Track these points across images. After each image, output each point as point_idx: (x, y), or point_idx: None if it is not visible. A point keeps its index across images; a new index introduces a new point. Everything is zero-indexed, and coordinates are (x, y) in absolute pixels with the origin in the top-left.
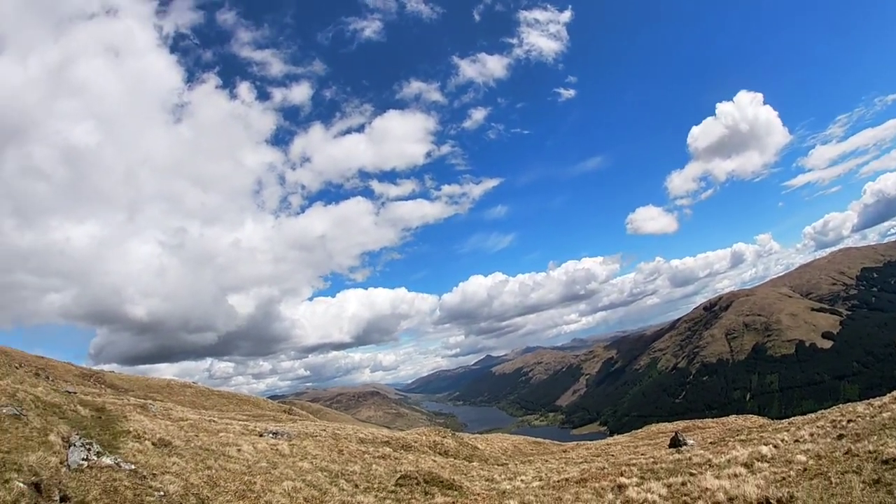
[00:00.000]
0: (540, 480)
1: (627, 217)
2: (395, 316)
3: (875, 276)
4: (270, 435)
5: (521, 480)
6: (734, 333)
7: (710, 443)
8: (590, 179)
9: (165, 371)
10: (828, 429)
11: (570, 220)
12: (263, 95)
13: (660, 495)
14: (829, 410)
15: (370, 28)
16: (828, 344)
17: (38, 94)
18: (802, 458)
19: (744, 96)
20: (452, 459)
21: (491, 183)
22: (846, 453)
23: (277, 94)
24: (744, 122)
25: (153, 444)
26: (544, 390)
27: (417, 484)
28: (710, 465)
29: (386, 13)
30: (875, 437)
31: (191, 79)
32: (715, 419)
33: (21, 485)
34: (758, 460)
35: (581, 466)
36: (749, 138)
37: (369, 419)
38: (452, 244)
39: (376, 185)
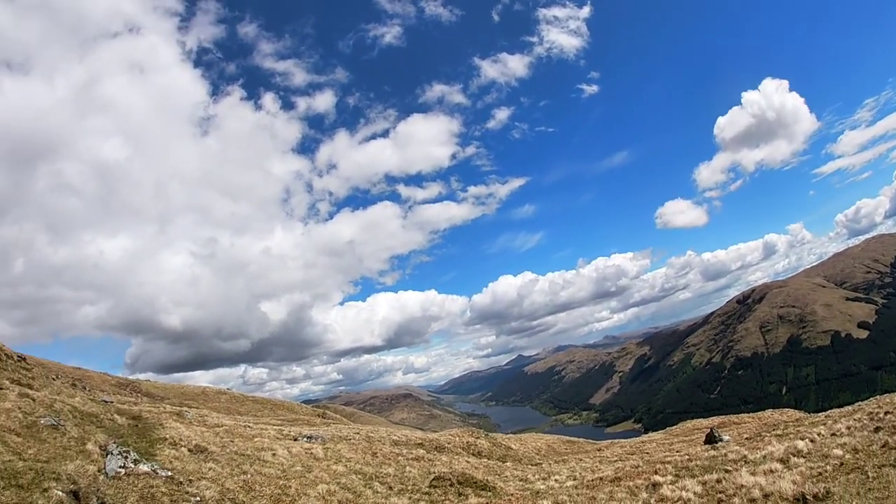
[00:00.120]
0: (574, 480)
1: (656, 211)
2: (426, 318)
3: None
4: (305, 439)
5: (555, 480)
6: (768, 326)
7: (746, 438)
8: (617, 175)
9: (200, 378)
10: (864, 421)
11: (599, 216)
12: (288, 105)
13: (695, 493)
14: (865, 402)
15: (390, 34)
16: (864, 334)
17: (66, 113)
18: (839, 452)
19: (769, 84)
20: (486, 460)
21: (517, 182)
22: (883, 446)
23: (301, 103)
24: (770, 111)
25: (189, 450)
26: (577, 389)
27: (451, 485)
28: (745, 461)
29: (405, 18)
30: None
31: (216, 92)
32: (751, 414)
33: (60, 493)
34: (794, 455)
35: (615, 465)
36: (776, 126)
37: (402, 421)
38: (481, 245)
39: (403, 189)
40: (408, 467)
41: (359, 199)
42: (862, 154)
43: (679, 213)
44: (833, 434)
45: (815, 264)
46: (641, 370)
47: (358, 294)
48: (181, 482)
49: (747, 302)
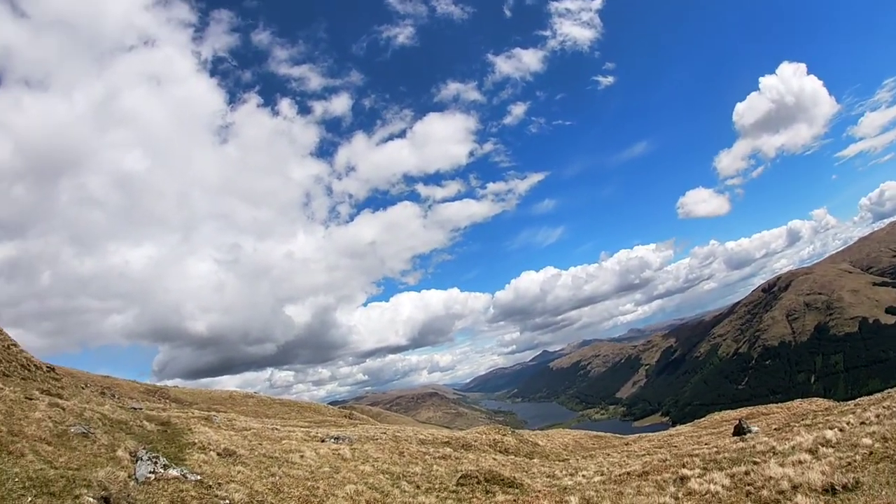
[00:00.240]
0: (601, 475)
1: (678, 201)
2: (450, 316)
3: None
4: (332, 440)
5: (583, 476)
6: (795, 314)
7: (775, 429)
8: (636, 166)
9: (227, 383)
10: (894, 409)
11: (620, 208)
12: (304, 110)
13: (723, 486)
14: (895, 389)
15: (403, 34)
16: (892, 319)
17: (86, 127)
18: (868, 441)
19: (786, 68)
20: (513, 457)
21: (536, 177)
22: None
23: (318, 108)
24: (789, 95)
25: (218, 454)
26: (603, 383)
27: (478, 483)
28: (774, 452)
29: (417, 18)
30: None
31: (233, 100)
32: (779, 404)
33: (91, 500)
34: (822, 445)
35: (643, 459)
36: (796, 111)
37: (429, 420)
38: (502, 241)
39: (422, 189)
40: (435, 466)
41: (379, 200)
42: (884, 136)
43: (701, 202)
44: (862, 423)
45: (840, 250)
46: (668, 363)
47: (381, 295)
48: (210, 486)
49: (773, 290)
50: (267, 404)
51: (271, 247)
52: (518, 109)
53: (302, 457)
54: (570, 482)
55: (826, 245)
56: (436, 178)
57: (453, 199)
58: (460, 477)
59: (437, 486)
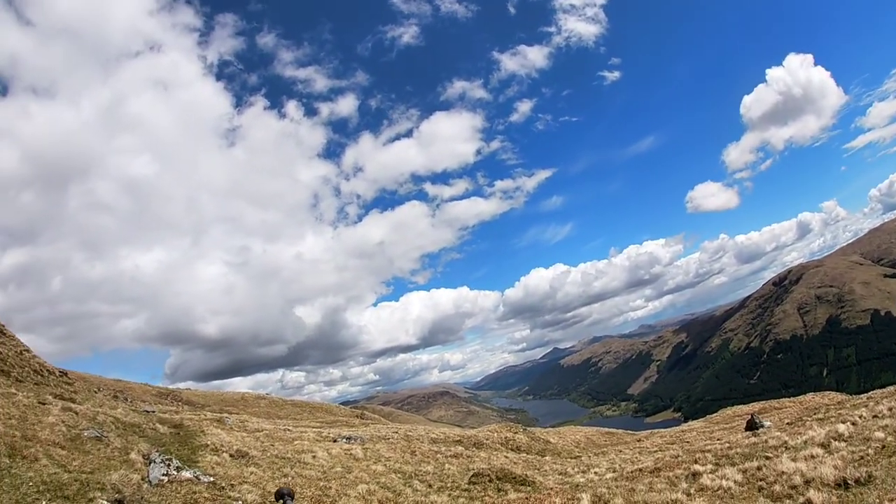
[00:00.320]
0: (613, 472)
1: (687, 196)
2: (459, 315)
3: None
4: (344, 440)
5: (595, 473)
6: (806, 307)
7: (787, 423)
8: (644, 161)
9: (239, 385)
10: None
11: (628, 203)
12: (311, 111)
13: (735, 481)
14: None
15: (407, 34)
16: None
17: (94, 133)
18: (881, 434)
19: (793, 59)
20: (525, 455)
21: (544, 174)
22: None
23: (324, 109)
24: (796, 86)
25: (231, 455)
26: (614, 380)
27: (490, 481)
28: (786, 447)
29: (421, 17)
30: None
31: (239, 103)
32: (792, 398)
33: (105, 502)
34: (835, 439)
35: (655, 455)
36: (803, 102)
37: (440, 419)
38: (511, 239)
39: (430, 188)
40: (447, 464)
41: (386, 200)
42: (893, 126)
43: (710, 196)
44: (875, 416)
45: (850, 242)
46: (679, 358)
47: (391, 294)
48: (223, 487)
49: (784, 284)
50: (279, 405)
51: (280, 248)
52: (524, 106)
53: (314, 457)
54: (582, 479)
55: (836, 237)
56: (443, 177)
57: (461, 198)
58: (472, 475)
59: (449, 485)
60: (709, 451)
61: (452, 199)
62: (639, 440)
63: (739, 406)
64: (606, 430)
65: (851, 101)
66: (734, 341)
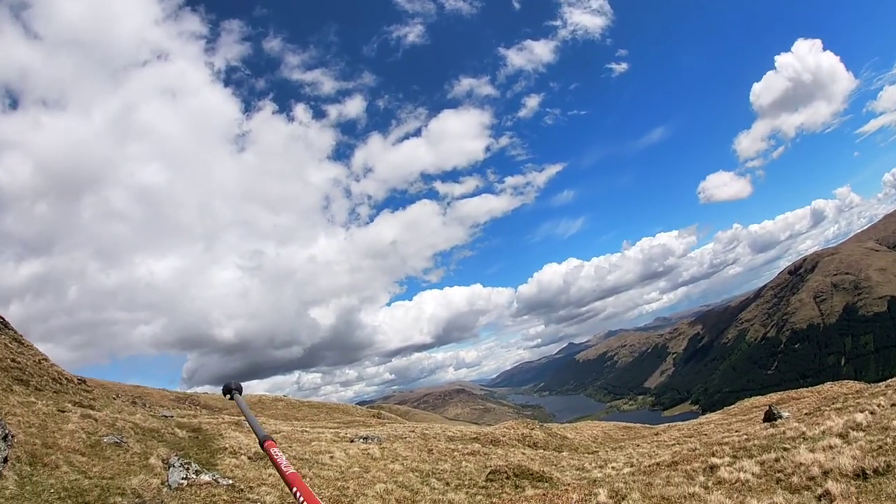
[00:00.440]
0: (631, 466)
1: (699, 186)
2: (473, 312)
3: None
4: (361, 440)
5: (612, 468)
6: (823, 296)
7: (805, 414)
8: (655, 152)
9: (256, 387)
10: None
11: (640, 196)
12: (319, 114)
13: (752, 473)
14: None
15: (413, 33)
16: None
17: (105, 143)
18: None
19: (802, 44)
20: (542, 451)
21: (554, 169)
22: None
23: (332, 111)
24: (806, 72)
25: (249, 458)
26: (631, 373)
27: (507, 478)
28: (804, 438)
29: (426, 16)
30: None
31: (248, 108)
32: (810, 388)
33: None
34: (853, 429)
35: (672, 449)
36: (814, 88)
37: (457, 417)
38: (523, 235)
39: (440, 186)
40: (464, 462)
41: (397, 199)
42: None
43: (722, 185)
44: (893, 404)
45: (865, 228)
46: (695, 350)
47: (404, 294)
48: (242, 489)
49: (799, 272)
50: (296, 407)
51: (293, 251)
52: (532, 101)
53: (332, 457)
54: (599, 474)
55: (851, 224)
56: (453, 175)
57: (472, 195)
58: (489, 472)
59: (466, 483)
60: (726, 443)
61: (463, 196)
62: (656, 434)
63: (757, 397)
64: (623, 424)
65: (862, 86)
66: (750, 332)
